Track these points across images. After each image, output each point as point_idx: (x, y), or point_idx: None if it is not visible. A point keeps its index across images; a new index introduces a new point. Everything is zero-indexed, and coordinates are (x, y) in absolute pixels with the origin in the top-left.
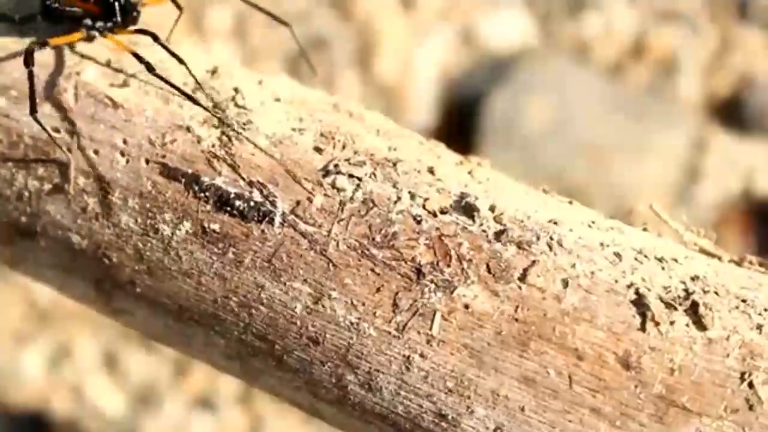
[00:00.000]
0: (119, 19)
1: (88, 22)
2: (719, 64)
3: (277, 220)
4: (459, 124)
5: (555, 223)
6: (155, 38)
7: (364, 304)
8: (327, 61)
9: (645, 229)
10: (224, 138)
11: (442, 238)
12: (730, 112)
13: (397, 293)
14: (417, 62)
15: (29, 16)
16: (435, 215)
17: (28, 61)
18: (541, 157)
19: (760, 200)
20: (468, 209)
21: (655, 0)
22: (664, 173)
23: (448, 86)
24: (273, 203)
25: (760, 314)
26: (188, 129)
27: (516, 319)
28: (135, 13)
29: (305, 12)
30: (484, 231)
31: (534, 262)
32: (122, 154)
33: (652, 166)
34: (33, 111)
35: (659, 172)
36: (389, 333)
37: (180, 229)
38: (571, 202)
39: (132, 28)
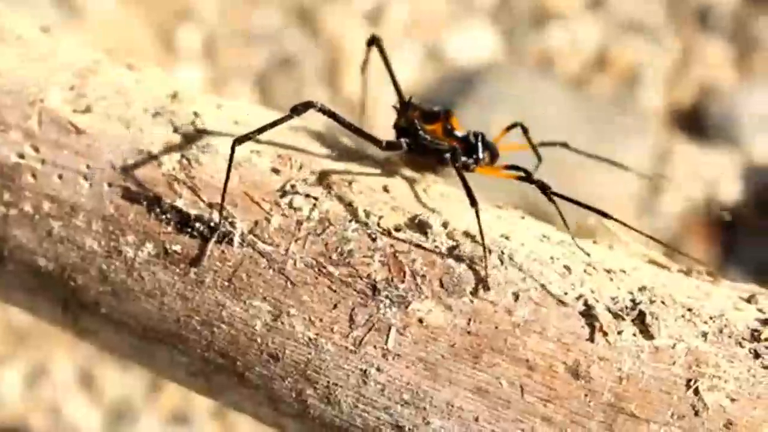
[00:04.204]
0: (481, 156)
1: (450, 156)
2: (681, 75)
3: (237, 240)
4: None
5: (507, 238)
6: (528, 179)
7: (321, 320)
8: (296, 79)
9: (595, 242)
10: (184, 161)
11: (397, 254)
12: (693, 122)
13: (353, 309)
14: (384, 80)
15: (395, 144)
16: (389, 233)
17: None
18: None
19: (722, 208)
20: (421, 226)
21: (617, 12)
22: (629, 184)
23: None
24: (232, 224)
25: (705, 322)
26: (149, 153)
27: (469, 332)
28: (496, 153)
29: (275, 31)
30: (437, 247)
31: (486, 276)
32: (85, 178)
33: (617, 177)
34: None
35: (623, 183)
36: (346, 348)
37: (142, 251)
38: (523, 217)
39: (501, 164)
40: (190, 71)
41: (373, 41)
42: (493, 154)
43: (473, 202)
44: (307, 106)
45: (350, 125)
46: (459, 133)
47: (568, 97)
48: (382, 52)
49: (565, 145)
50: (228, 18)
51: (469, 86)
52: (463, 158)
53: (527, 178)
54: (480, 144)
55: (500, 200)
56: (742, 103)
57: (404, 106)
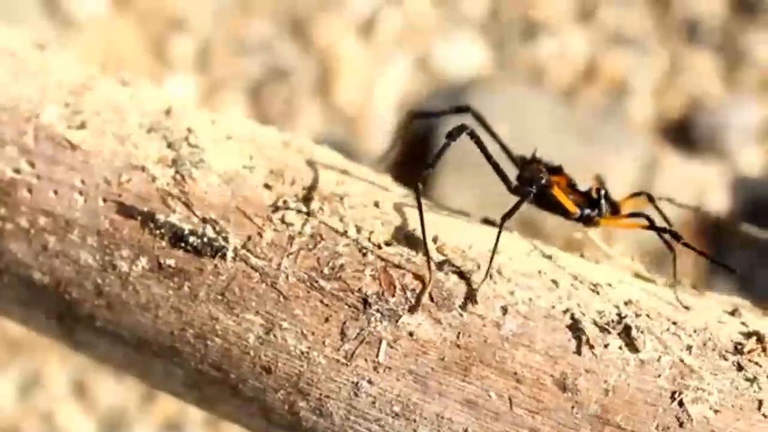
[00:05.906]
0: (604, 210)
1: (576, 211)
2: (669, 86)
3: (230, 254)
4: (417, 151)
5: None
6: (654, 227)
7: (313, 334)
8: (288, 91)
9: (582, 256)
10: (178, 177)
11: (387, 269)
12: (680, 133)
13: (344, 323)
14: (376, 91)
15: (524, 191)
16: (380, 247)
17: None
18: (497, 182)
19: (710, 219)
20: (411, 241)
21: (606, 24)
22: (618, 195)
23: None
24: (225, 238)
25: (690, 335)
26: (143, 168)
27: (458, 346)
28: (618, 208)
29: (267, 42)
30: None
31: (475, 290)
32: (80, 193)
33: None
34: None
35: (613, 194)
36: (338, 361)
37: (137, 265)
38: (512, 231)
39: (625, 215)
40: (182, 81)
41: (465, 109)
42: (614, 209)
43: (503, 219)
44: (461, 129)
45: (490, 157)
46: (581, 187)
47: (557, 108)
48: (479, 119)
49: (649, 196)
50: (221, 28)
51: (459, 98)
52: (587, 211)
53: (652, 226)
54: (603, 199)
55: (489, 214)
56: (730, 115)
57: (528, 160)
